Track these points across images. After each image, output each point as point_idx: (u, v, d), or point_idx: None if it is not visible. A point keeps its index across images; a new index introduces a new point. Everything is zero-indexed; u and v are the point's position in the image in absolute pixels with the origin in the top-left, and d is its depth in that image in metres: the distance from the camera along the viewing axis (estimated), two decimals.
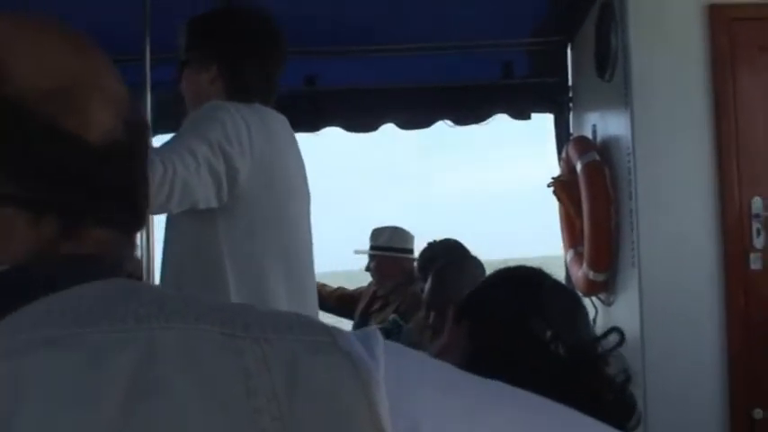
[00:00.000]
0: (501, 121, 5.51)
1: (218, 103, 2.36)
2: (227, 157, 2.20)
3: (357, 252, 5.01)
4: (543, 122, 5.55)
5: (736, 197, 3.88)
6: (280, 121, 2.50)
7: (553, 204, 5.01)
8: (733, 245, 3.86)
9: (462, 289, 3.36)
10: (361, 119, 5.51)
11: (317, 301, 5.16)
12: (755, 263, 3.84)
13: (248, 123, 2.29)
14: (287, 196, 2.42)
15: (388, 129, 5.54)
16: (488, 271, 3.30)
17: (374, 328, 0.76)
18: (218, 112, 2.28)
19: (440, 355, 1.53)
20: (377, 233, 4.96)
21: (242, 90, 2.44)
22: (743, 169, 3.90)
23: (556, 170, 5.08)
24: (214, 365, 0.67)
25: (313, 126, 5.37)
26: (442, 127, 5.52)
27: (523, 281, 1.59)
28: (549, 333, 1.44)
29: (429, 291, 3.44)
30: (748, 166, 3.91)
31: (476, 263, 3.57)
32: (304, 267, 2.53)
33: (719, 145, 3.92)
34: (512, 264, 1.69)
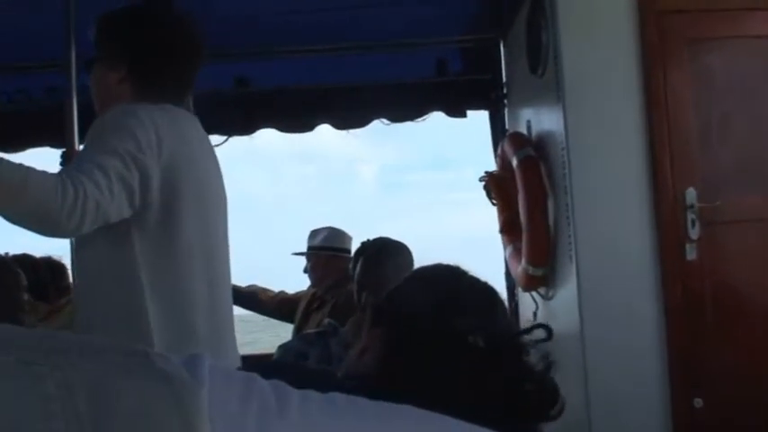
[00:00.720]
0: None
1: (125, 108, 2.27)
2: (139, 166, 2.14)
3: (294, 254, 4.98)
4: None
5: (670, 189, 3.92)
6: (191, 121, 2.42)
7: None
8: (668, 236, 3.89)
9: (392, 270, 3.44)
10: (295, 119, 5.46)
11: (255, 305, 5.14)
12: (691, 253, 3.88)
13: (157, 126, 2.21)
14: (201, 198, 2.35)
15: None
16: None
17: (199, 355, 0.74)
18: (126, 118, 2.20)
19: (359, 357, 1.50)
20: (313, 234, 4.94)
21: (153, 92, 2.36)
22: (676, 161, 3.94)
23: None
24: (7, 393, 0.64)
25: (247, 128, 5.30)
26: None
27: (439, 278, 1.57)
28: (466, 327, 1.42)
29: (360, 271, 3.47)
30: (681, 157, 3.95)
31: (406, 250, 3.60)
32: (222, 271, 2.47)
33: (652, 137, 3.95)
34: None
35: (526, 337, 1.45)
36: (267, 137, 5.33)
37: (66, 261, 4.54)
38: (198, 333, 2.26)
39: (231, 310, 2.53)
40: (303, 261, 4.96)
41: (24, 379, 0.64)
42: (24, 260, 4.50)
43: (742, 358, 3.87)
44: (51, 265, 4.68)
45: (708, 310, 3.89)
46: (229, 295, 2.52)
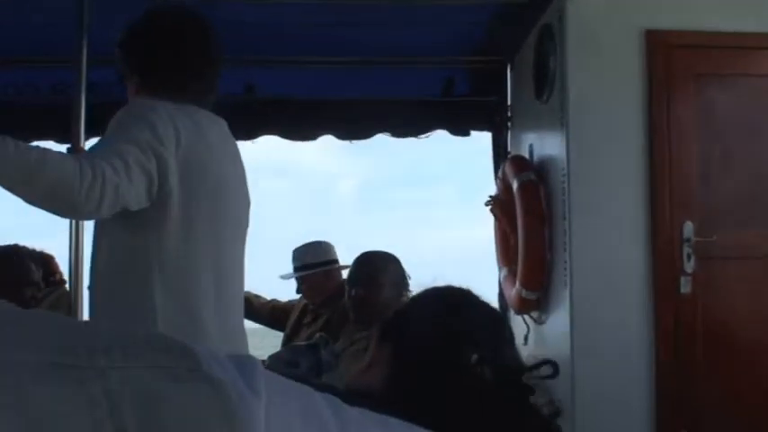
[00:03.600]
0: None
1: (144, 102, 2.33)
2: (157, 156, 2.18)
3: (283, 277, 4.90)
4: None
5: (668, 221, 3.94)
6: (213, 121, 2.45)
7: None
8: (664, 268, 3.92)
9: (382, 271, 3.53)
10: (299, 128, 5.49)
11: (246, 312, 5.12)
12: (685, 287, 3.90)
13: (175, 121, 2.26)
14: (219, 197, 2.38)
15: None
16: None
17: (252, 357, 0.66)
18: (144, 111, 2.26)
19: (364, 373, 1.50)
20: (297, 254, 4.84)
21: (168, 98, 2.39)
22: (675, 194, 3.97)
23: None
24: (48, 400, 0.58)
25: (249, 134, 5.32)
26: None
27: (450, 302, 1.56)
28: (474, 357, 1.41)
29: (351, 271, 3.57)
30: (680, 191, 3.98)
31: (394, 257, 3.68)
32: (236, 273, 2.50)
33: (653, 169, 3.98)
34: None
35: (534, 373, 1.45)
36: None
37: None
38: (206, 330, 2.29)
39: (242, 319, 2.56)
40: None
41: (63, 384, 0.58)
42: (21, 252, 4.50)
43: (730, 392, 3.89)
44: (42, 258, 4.69)
45: (698, 343, 3.91)
46: (241, 302, 2.55)
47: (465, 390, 1.38)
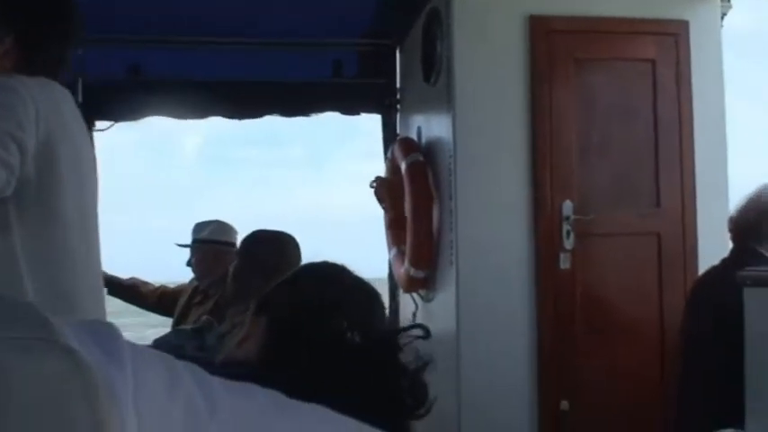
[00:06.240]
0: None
1: (4, 84, 2.28)
2: (20, 145, 2.15)
3: (179, 245, 4.91)
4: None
5: (549, 200, 4.09)
6: (66, 95, 2.45)
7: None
8: (545, 245, 4.06)
9: (271, 260, 3.52)
10: (188, 110, 5.44)
11: (134, 298, 5.06)
12: (564, 263, 4.06)
13: (36, 100, 2.24)
14: (77, 170, 2.38)
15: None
16: None
17: (114, 326, 0.60)
18: (6, 95, 2.21)
19: (240, 344, 1.57)
20: (199, 227, 4.88)
21: (33, 66, 2.37)
22: (555, 174, 4.11)
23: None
24: None
25: (135, 114, 5.27)
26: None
27: (325, 276, 1.65)
28: (344, 324, 1.51)
29: (237, 260, 3.56)
30: (560, 171, 4.13)
31: (290, 239, 3.63)
32: (95, 240, 2.51)
33: (535, 151, 4.12)
34: None
35: (405, 336, 1.55)
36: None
37: None
38: (75, 298, 2.28)
39: (101, 277, 2.57)
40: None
41: None
42: None
43: (607, 362, 4.06)
44: None
45: (577, 317, 4.07)
46: (100, 263, 2.57)
47: (334, 353, 1.47)
